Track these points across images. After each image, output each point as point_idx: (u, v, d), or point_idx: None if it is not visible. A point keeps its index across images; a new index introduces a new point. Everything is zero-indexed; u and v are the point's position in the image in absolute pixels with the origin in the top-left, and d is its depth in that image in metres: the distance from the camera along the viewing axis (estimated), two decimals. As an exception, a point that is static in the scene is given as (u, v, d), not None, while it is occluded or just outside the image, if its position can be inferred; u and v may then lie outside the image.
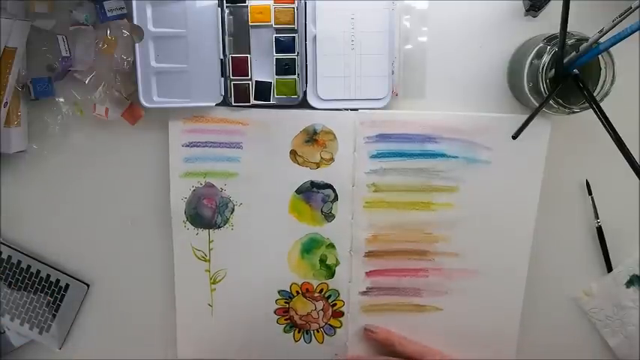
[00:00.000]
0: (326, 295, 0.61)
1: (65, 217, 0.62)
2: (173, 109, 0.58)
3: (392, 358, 0.59)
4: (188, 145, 0.59)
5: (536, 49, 0.51)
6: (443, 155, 0.58)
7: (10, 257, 0.62)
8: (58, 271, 0.63)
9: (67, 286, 0.63)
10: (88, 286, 0.63)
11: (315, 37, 0.56)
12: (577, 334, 0.63)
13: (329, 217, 0.60)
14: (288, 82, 0.57)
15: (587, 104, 0.49)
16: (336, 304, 0.61)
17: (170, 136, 0.59)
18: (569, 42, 0.50)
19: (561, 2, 0.46)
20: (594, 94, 0.50)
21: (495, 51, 0.58)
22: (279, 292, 0.61)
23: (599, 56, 0.49)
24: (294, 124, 0.58)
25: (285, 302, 0.62)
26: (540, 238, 0.59)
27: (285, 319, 0.62)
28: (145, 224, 0.62)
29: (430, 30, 0.57)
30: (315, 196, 0.59)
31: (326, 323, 0.62)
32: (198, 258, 0.61)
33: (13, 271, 0.62)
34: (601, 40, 0.47)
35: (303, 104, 0.57)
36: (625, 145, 0.46)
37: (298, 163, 0.59)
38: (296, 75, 0.57)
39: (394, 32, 0.56)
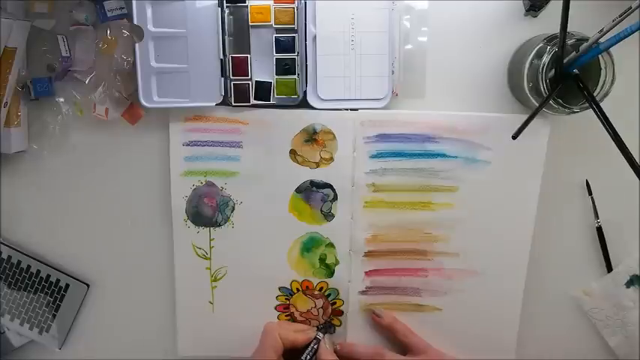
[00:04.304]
0: (326, 294, 0.61)
1: (65, 217, 0.62)
2: (173, 109, 0.58)
3: (386, 351, 0.59)
4: (188, 144, 0.59)
5: (536, 49, 0.51)
6: (443, 155, 0.58)
7: (10, 257, 0.62)
8: (58, 271, 0.63)
9: (67, 286, 0.63)
10: (88, 286, 0.63)
11: (315, 37, 0.56)
12: (577, 334, 0.63)
13: (328, 216, 0.60)
14: (288, 82, 0.57)
15: (587, 104, 0.49)
16: (335, 303, 0.62)
17: (170, 135, 0.59)
18: (569, 42, 0.50)
19: (561, 2, 0.46)
20: (594, 94, 0.50)
21: (495, 51, 0.58)
22: (279, 288, 0.61)
23: (599, 56, 0.49)
24: (293, 124, 0.58)
25: (286, 299, 0.62)
26: (540, 237, 0.59)
27: (286, 316, 0.62)
28: (145, 223, 0.62)
29: (430, 30, 0.57)
30: (315, 196, 0.59)
31: (326, 321, 0.62)
32: (199, 256, 0.61)
33: (13, 271, 0.63)
34: (601, 40, 0.47)
35: (303, 104, 0.57)
36: (625, 145, 0.45)
37: (298, 163, 0.59)
38: (296, 75, 0.57)
39: (394, 32, 0.56)
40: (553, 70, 0.51)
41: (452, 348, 0.60)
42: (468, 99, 0.58)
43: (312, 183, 0.59)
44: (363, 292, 0.61)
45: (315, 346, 0.57)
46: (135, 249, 0.63)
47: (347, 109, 0.58)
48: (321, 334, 0.58)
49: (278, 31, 0.56)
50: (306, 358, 0.56)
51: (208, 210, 0.60)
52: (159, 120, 0.59)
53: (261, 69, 0.57)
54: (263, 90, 0.57)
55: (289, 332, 0.57)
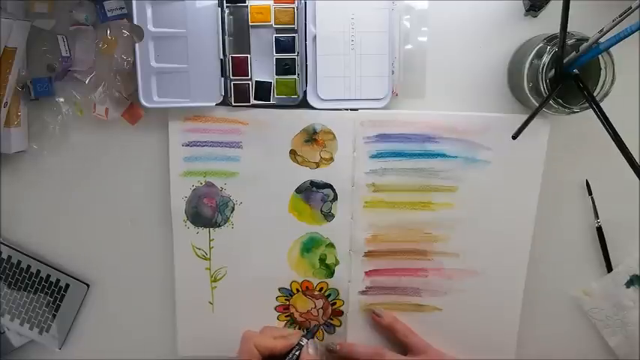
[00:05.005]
0: (326, 294, 0.61)
1: (65, 217, 0.62)
2: (173, 109, 0.58)
3: (386, 351, 0.59)
4: (188, 145, 0.59)
5: (536, 49, 0.51)
6: (443, 155, 0.58)
7: (10, 257, 0.62)
8: (58, 271, 0.63)
9: (67, 286, 0.63)
10: (88, 286, 0.63)
11: (315, 37, 0.56)
12: (577, 334, 0.63)
13: (328, 216, 0.60)
14: (288, 82, 0.57)
15: (587, 104, 0.49)
16: (335, 303, 0.61)
17: (170, 136, 0.59)
18: (569, 42, 0.50)
19: (561, 2, 0.46)
20: (594, 94, 0.50)
21: (495, 51, 0.57)
22: (279, 289, 0.61)
23: (599, 56, 0.49)
24: (293, 124, 0.58)
25: (286, 299, 0.62)
26: (540, 238, 0.59)
27: (286, 316, 0.62)
28: (145, 224, 0.62)
29: (430, 30, 0.57)
30: (315, 196, 0.59)
31: (326, 321, 0.62)
32: (199, 256, 0.61)
33: (13, 271, 0.63)
34: (601, 40, 0.47)
35: (303, 104, 0.57)
36: (625, 145, 0.46)
37: (298, 163, 0.59)
38: (296, 75, 0.57)
39: (394, 32, 0.56)
40: (553, 70, 0.51)
41: (452, 348, 0.60)
42: (468, 99, 0.58)
43: (312, 183, 0.59)
44: (363, 292, 0.61)
45: (297, 353, 0.55)
46: (135, 249, 0.63)
47: (347, 109, 0.58)
48: (305, 340, 0.56)
49: (278, 31, 0.56)
50: None
51: (208, 210, 0.60)
52: (159, 120, 0.59)
53: (261, 69, 0.57)
54: (263, 90, 0.57)
55: (267, 339, 0.55)
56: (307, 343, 0.55)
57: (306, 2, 0.55)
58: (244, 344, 0.55)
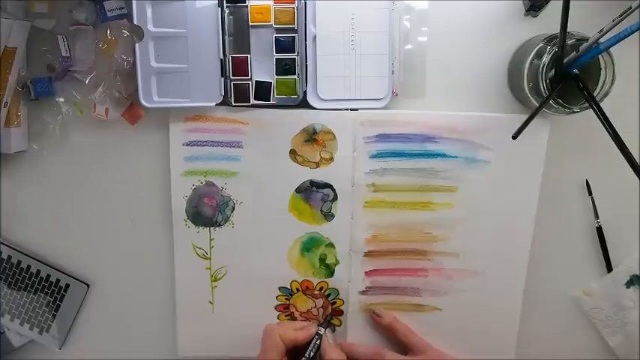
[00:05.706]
0: (326, 294, 0.61)
1: (65, 217, 0.62)
2: (173, 109, 0.58)
3: (386, 351, 0.59)
4: (188, 144, 0.59)
5: (536, 49, 0.51)
6: (443, 155, 0.58)
7: (10, 257, 0.62)
8: (58, 271, 0.63)
9: (67, 286, 0.63)
10: (88, 286, 0.63)
11: (315, 37, 0.56)
12: (577, 334, 0.63)
13: (328, 216, 0.60)
14: (288, 82, 0.57)
15: (587, 104, 0.49)
16: (335, 303, 0.62)
17: (171, 135, 0.59)
18: (569, 42, 0.50)
19: (561, 2, 0.46)
20: (594, 94, 0.50)
21: (495, 51, 0.57)
22: (279, 288, 0.61)
23: (599, 56, 0.49)
24: (293, 124, 0.58)
25: (286, 299, 0.62)
26: (540, 238, 0.59)
27: (286, 315, 0.62)
28: (145, 223, 0.62)
29: (430, 30, 0.57)
30: (315, 196, 0.59)
31: (327, 315, 0.62)
32: (199, 256, 0.61)
33: (13, 271, 0.63)
34: (601, 40, 0.47)
35: (303, 104, 0.57)
36: (625, 145, 0.45)
37: (298, 163, 0.59)
38: (296, 75, 0.57)
39: (394, 32, 0.56)
40: (553, 70, 0.51)
41: (452, 348, 0.60)
42: (468, 99, 0.58)
43: (312, 183, 0.59)
44: (363, 292, 0.61)
45: (318, 342, 0.57)
46: (135, 249, 0.63)
47: (347, 109, 0.58)
48: (322, 329, 0.58)
49: (278, 31, 0.56)
50: (309, 354, 0.56)
51: (208, 210, 0.60)
52: (159, 120, 0.59)
53: (261, 69, 0.57)
54: (263, 90, 0.57)
55: (289, 331, 0.56)
56: (325, 332, 0.58)
57: (306, 2, 0.55)
58: (268, 337, 0.56)
